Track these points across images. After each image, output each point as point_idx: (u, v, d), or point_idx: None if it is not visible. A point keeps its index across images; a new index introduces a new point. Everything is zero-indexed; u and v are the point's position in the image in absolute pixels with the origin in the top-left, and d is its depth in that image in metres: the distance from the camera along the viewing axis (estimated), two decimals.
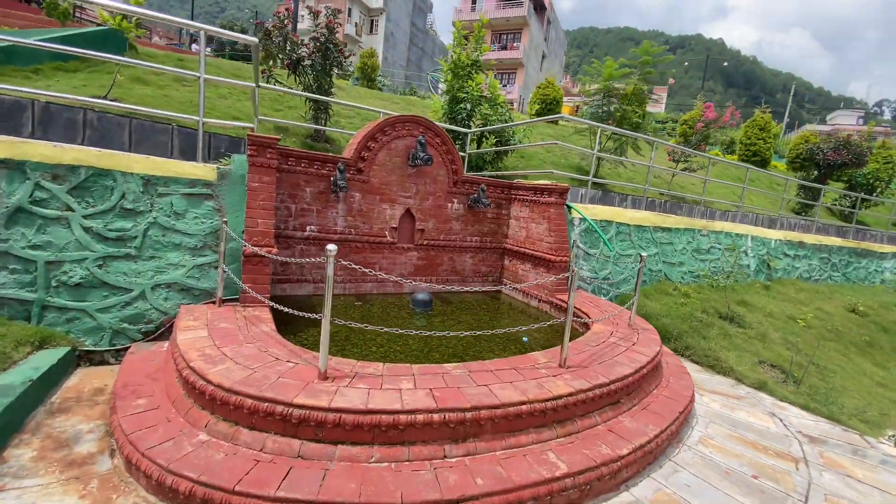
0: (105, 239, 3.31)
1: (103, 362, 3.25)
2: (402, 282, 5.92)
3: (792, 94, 43.06)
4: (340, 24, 7.06)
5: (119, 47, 6.97)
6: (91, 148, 3.33)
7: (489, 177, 7.99)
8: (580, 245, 5.88)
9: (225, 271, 3.48)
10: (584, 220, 5.85)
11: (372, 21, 39.92)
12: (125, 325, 3.35)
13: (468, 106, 8.38)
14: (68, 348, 3.10)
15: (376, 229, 5.55)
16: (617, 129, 7.87)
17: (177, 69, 3.90)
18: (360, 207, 5.40)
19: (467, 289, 3.51)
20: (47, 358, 2.91)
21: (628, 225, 6.50)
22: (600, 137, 9.98)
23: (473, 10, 35.30)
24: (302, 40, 7.10)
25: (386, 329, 2.88)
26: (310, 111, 7.37)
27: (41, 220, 3.14)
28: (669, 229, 7.14)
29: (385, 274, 5.69)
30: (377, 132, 5.33)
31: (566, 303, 5.23)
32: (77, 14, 13.76)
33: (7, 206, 3.05)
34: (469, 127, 8.72)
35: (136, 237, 3.39)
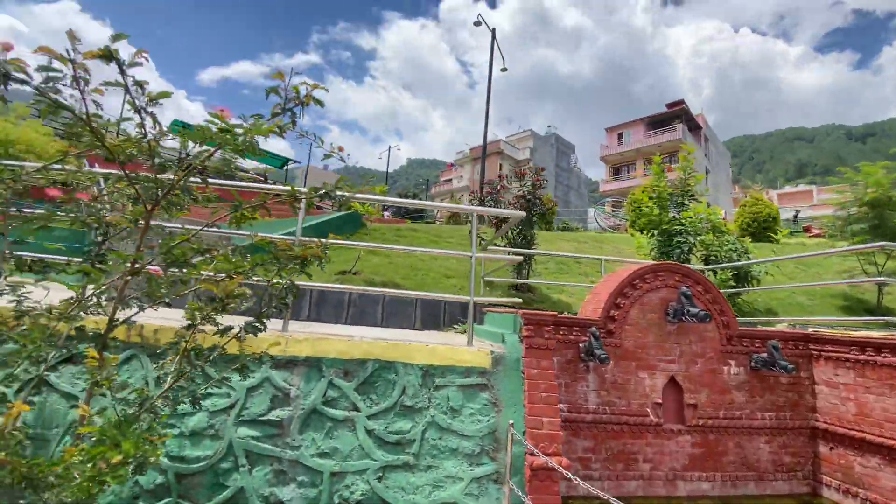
0: (385, 444, 2.92)
1: None
2: (675, 480, 4.47)
3: None
4: (546, 181, 7.15)
5: (357, 225, 8.19)
6: (378, 339, 3.22)
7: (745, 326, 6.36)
8: None
9: (512, 489, 2.71)
10: None
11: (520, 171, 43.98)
12: None
13: (690, 239, 7.28)
14: None
15: (635, 406, 4.39)
16: None
17: (458, 252, 3.86)
18: (613, 378, 4.40)
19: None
20: None
21: None
22: (875, 258, 7.61)
23: (620, 143, 36.23)
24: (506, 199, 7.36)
25: None
26: (513, 263, 7.22)
27: (330, 422, 2.93)
28: None
29: (652, 467, 4.34)
30: (626, 286, 4.57)
31: None
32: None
33: (303, 409, 2.93)
34: (688, 262, 7.48)
35: (414, 441, 2.94)
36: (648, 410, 4.40)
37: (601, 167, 38.09)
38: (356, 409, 2.97)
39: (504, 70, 13.46)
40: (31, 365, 2.11)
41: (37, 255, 2.42)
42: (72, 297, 2.32)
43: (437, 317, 5.12)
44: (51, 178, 2.42)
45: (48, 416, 2.95)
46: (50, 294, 2.14)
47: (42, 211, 2.35)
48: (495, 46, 12.02)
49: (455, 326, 4.98)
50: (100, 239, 2.50)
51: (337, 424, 2.94)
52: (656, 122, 35.58)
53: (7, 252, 2.22)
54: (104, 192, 2.35)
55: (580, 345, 4.31)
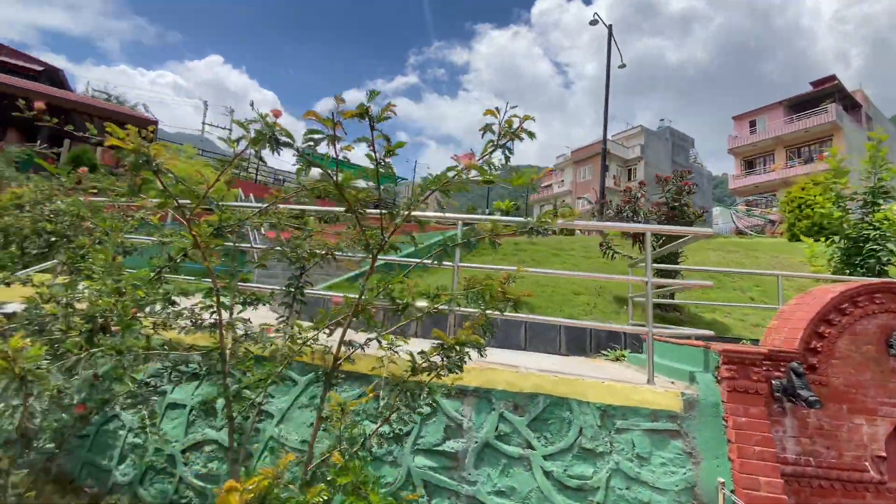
0: (565, 488, 2.71)
1: None
2: None
3: None
4: (696, 186, 6.37)
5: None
6: (545, 371, 3.04)
7: None
8: None
9: None
10: None
11: (630, 170, 40.96)
12: None
13: (890, 246, 5.91)
14: None
15: (849, 459, 3.57)
16: None
17: (634, 277, 3.56)
18: (817, 423, 3.63)
19: None
20: None
21: None
22: None
23: (753, 132, 31.71)
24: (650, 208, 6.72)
25: None
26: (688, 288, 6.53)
27: (505, 459, 2.81)
28: None
29: None
30: (831, 311, 3.77)
31: None
32: None
33: (476, 442, 2.85)
34: (884, 275, 6.07)
35: (597, 488, 2.68)
36: (867, 465, 3.54)
37: (727, 161, 33.79)
38: (530, 446, 2.81)
39: (622, 66, 12.56)
40: (252, 392, 2.30)
41: (255, 286, 2.69)
42: (274, 328, 2.51)
43: (581, 341, 4.79)
44: (263, 220, 2.66)
45: (251, 433, 3.29)
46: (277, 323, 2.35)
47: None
48: (612, 42, 11.28)
49: (604, 353, 4.59)
50: (298, 273, 2.70)
51: (512, 462, 2.81)
52: (799, 104, 30.46)
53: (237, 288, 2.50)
54: (310, 230, 2.52)
55: (772, 381, 3.64)
